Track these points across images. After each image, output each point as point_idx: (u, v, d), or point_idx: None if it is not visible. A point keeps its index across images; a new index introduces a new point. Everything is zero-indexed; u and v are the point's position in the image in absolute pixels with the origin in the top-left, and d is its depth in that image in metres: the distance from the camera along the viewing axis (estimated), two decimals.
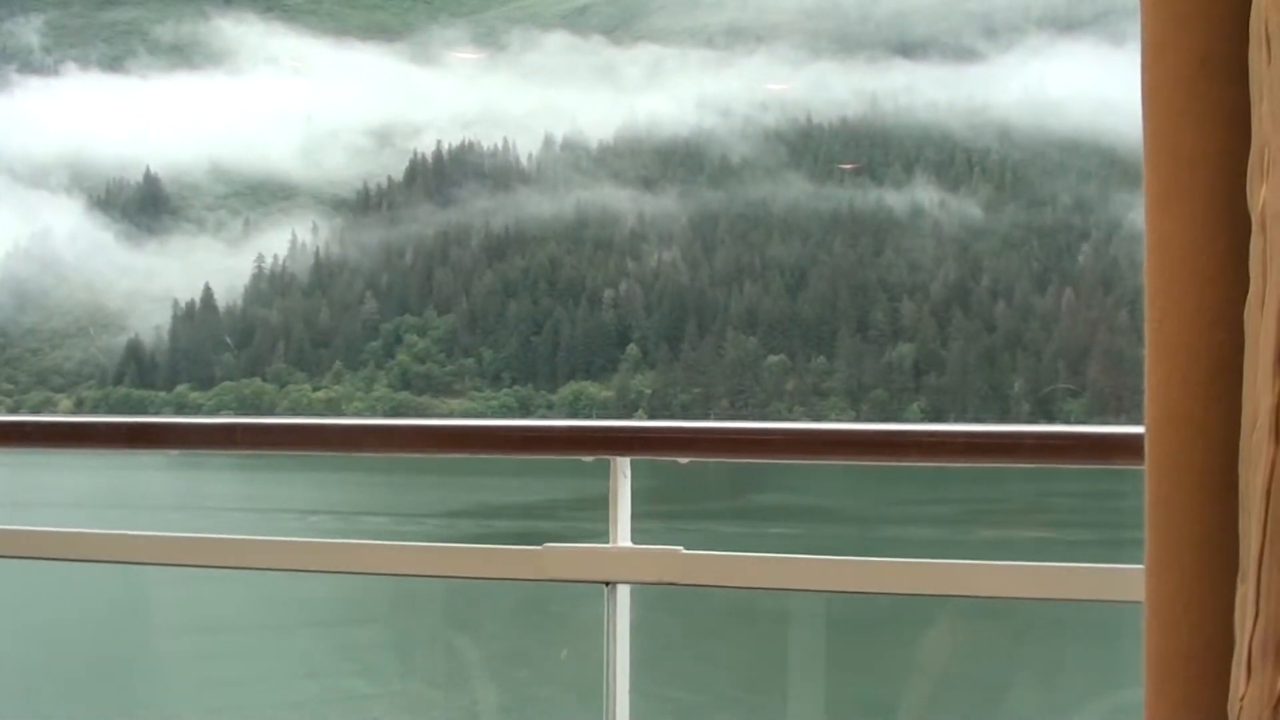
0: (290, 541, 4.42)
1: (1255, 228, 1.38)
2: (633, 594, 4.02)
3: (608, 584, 3.97)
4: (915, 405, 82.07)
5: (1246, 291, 1.39)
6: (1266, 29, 1.36)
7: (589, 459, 4.11)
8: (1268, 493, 1.34)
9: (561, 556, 4.01)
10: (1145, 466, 1.49)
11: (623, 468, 4.01)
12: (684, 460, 4.23)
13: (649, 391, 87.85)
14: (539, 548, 3.99)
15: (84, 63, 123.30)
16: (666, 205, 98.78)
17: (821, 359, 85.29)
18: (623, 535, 3.98)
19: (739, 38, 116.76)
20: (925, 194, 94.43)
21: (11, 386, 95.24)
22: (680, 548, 3.92)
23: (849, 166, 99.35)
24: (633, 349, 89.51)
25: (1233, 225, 1.42)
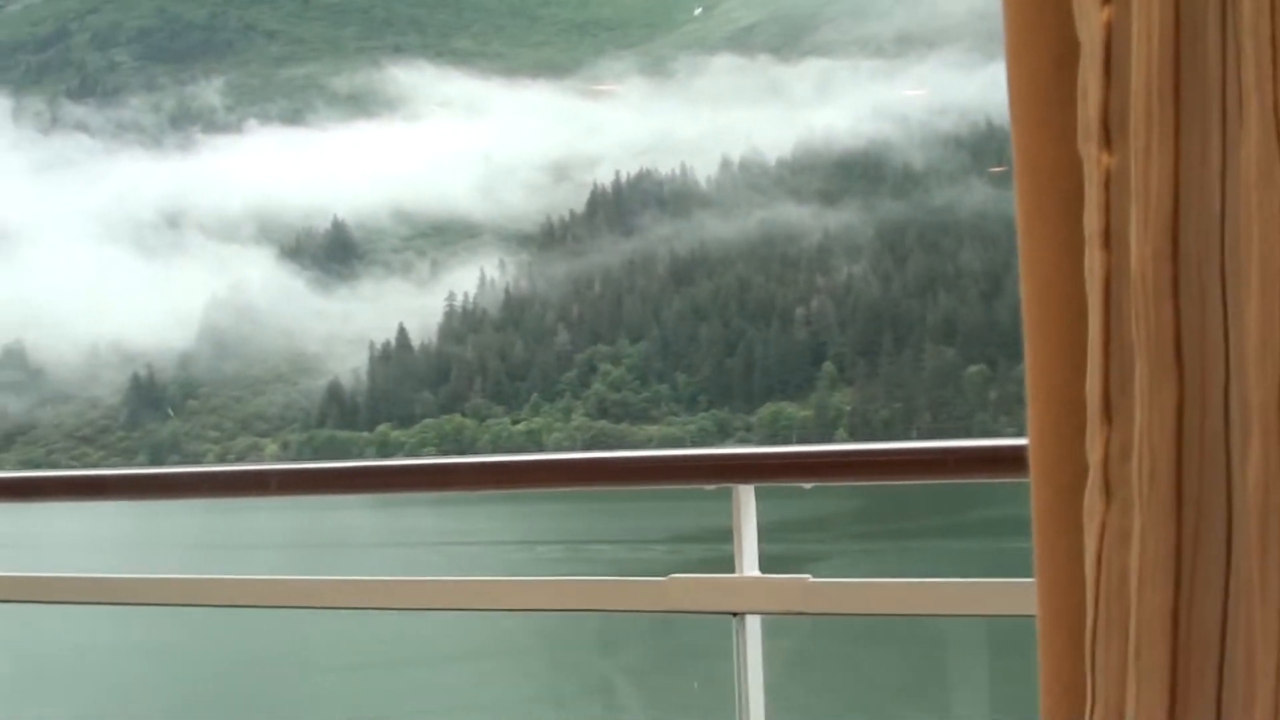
0: (423, 581, 4.52)
1: (1087, 248, 1.28)
2: (763, 624, 3.88)
3: (735, 614, 3.85)
4: None
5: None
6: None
7: (710, 488, 3.99)
8: (1099, 558, 1.24)
9: (687, 587, 3.88)
10: (1030, 479, 1.39)
11: (746, 496, 3.86)
12: (808, 485, 4.13)
13: (848, 409, 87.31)
14: (665, 579, 3.90)
15: (264, 119, 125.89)
16: (850, 218, 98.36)
17: (1023, 367, 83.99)
18: (749, 564, 3.82)
19: (909, 45, 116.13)
20: None
21: (218, 433, 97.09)
22: (808, 576, 3.78)
23: (996, 170, 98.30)
24: (829, 366, 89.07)
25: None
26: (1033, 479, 1.37)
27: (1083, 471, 1.25)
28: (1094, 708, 1.26)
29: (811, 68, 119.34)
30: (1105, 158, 1.24)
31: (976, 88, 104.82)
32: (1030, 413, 1.37)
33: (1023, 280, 1.36)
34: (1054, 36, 1.33)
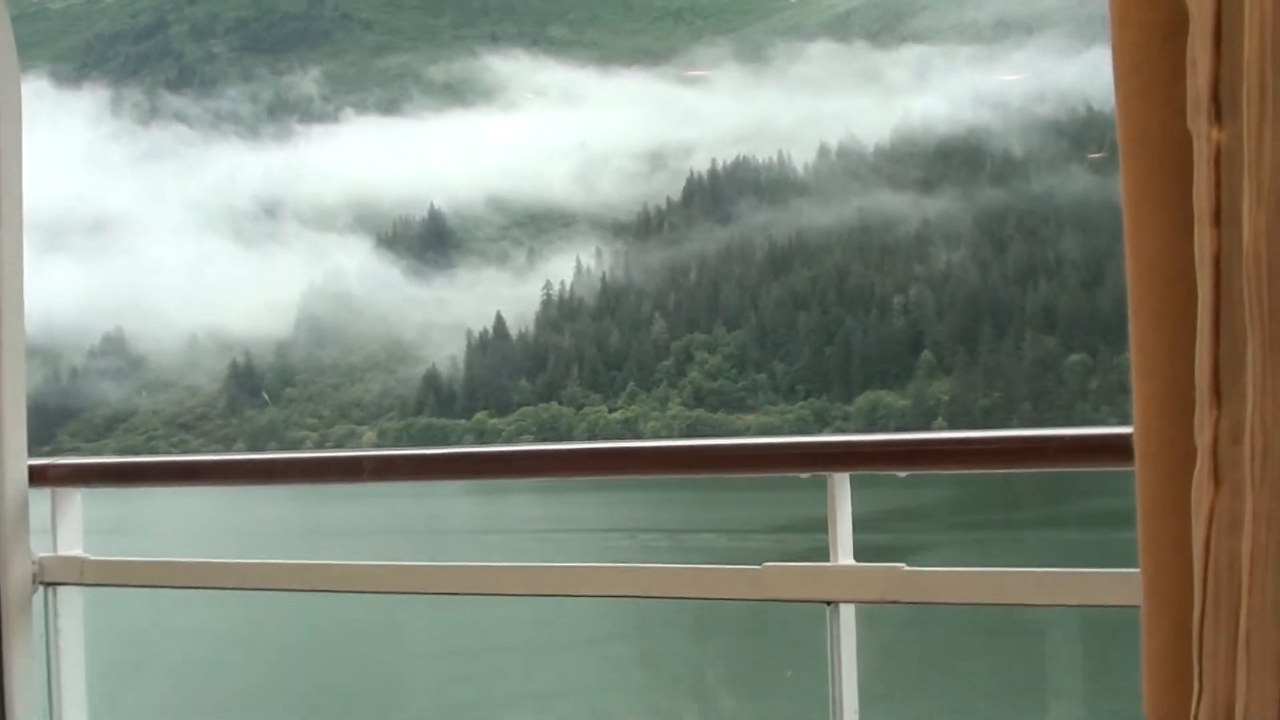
0: (518, 567, 4.36)
1: (1196, 224, 1.24)
2: (857, 613, 3.81)
3: (829, 603, 3.79)
4: None
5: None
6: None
7: (805, 476, 3.96)
8: (1207, 544, 1.21)
9: (782, 575, 3.82)
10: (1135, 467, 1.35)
11: (840, 484, 3.80)
12: (902, 474, 4.02)
13: (947, 398, 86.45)
14: (759, 567, 3.82)
15: (361, 108, 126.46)
16: (949, 206, 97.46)
17: (1125, 356, 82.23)
18: (844, 553, 3.78)
19: (1008, 30, 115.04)
20: None
21: (316, 420, 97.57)
22: (903, 565, 3.69)
23: (1096, 155, 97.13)
24: (927, 355, 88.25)
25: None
26: (1138, 464, 1.34)
27: (1190, 456, 1.22)
28: (1201, 697, 1.23)
29: (909, 54, 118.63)
30: (1215, 133, 1.19)
31: (1076, 73, 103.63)
32: (1135, 396, 1.35)
33: (1128, 259, 1.33)
34: (1161, 8, 1.31)
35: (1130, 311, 1.35)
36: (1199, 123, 1.20)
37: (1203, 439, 1.21)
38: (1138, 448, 1.34)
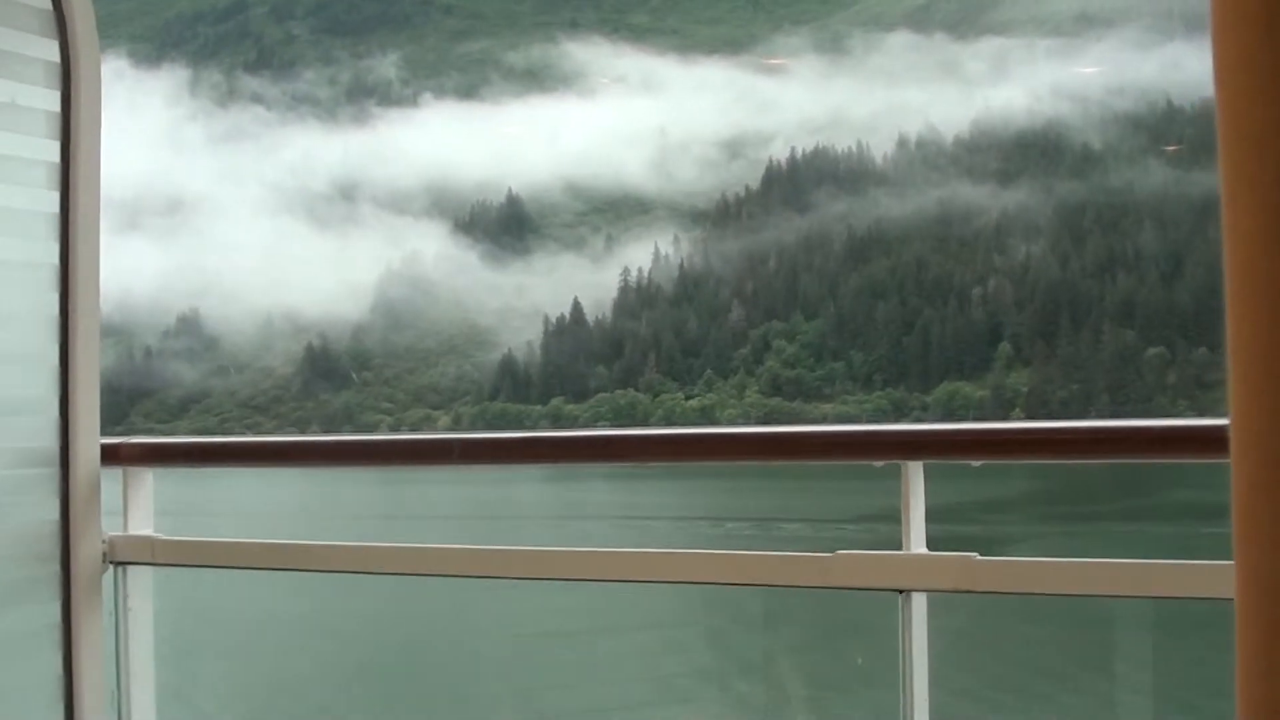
0: (590, 552, 4.36)
1: None
2: (929, 601, 3.79)
3: (901, 591, 3.76)
4: None
5: None
6: None
7: (879, 464, 3.93)
8: None
9: (854, 563, 3.81)
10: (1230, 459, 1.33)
11: (914, 472, 3.77)
12: (976, 463, 4.00)
13: (1025, 390, 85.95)
14: (831, 555, 3.81)
15: (440, 93, 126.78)
16: (1027, 198, 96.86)
17: (1204, 350, 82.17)
18: (916, 542, 3.74)
19: (1088, 24, 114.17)
20: None
21: (391, 404, 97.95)
22: (975, 554, 3.67)
23: (1174, 148, 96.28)
24: (1005, 346, 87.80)
25: None
26: (1234, 457, 1.31)
27: None
28: None
29: (988, 46, 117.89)
30: None
31: (1155, 67, 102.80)
32: (1232, 389, 1.31)
33: (1226, 256, 1.29)
34: (1265, 10, 1.26)
35: (1228, 307, 1.32)
36: None
37: None
38: (1234, 442, 1.32)
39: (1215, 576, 3.42)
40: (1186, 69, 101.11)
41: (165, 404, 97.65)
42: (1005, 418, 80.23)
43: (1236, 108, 1.27)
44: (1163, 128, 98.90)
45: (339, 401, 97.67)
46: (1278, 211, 1.24)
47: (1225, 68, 1.29)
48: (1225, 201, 1.28)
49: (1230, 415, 1.32)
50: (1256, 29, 1.27)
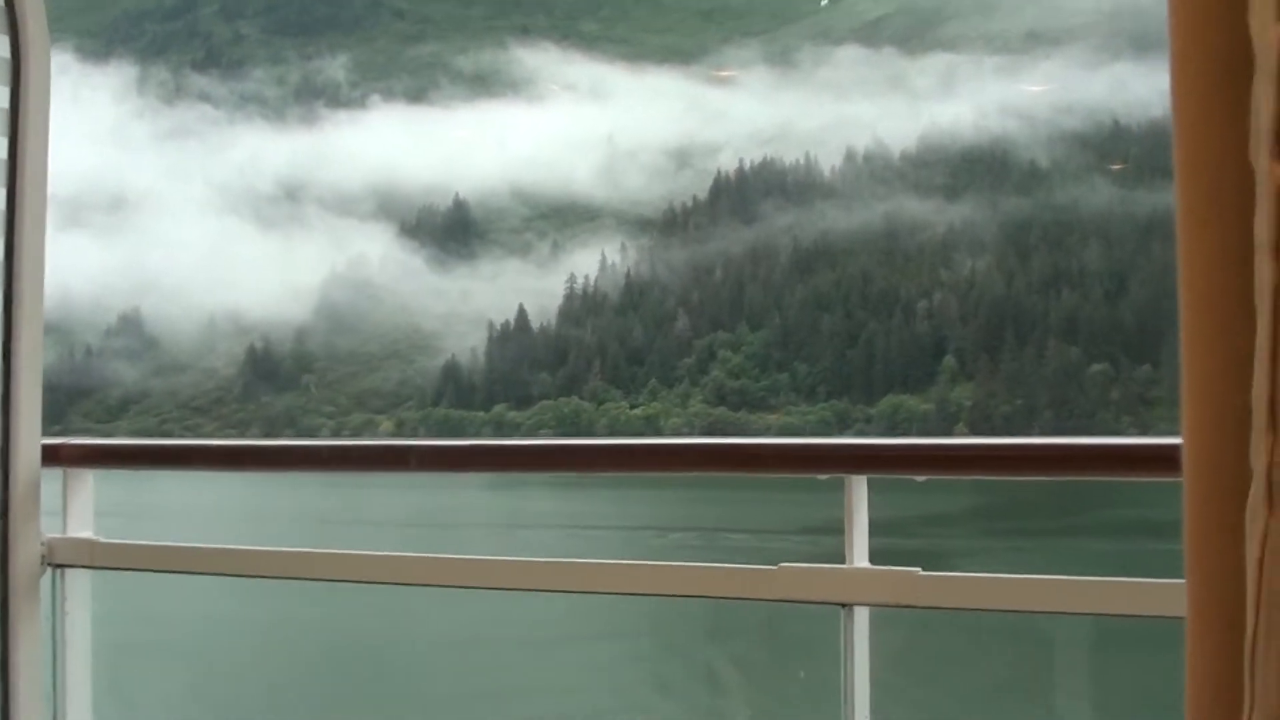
0: (535, 562, 4.34)
1: (1257, 258, 1.27)
2: (871, 616, 3.83)
3: (844, 605, 3.80)
4: None
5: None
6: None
7: (823, 477, 3.95)
8: (1260, 565, 1.23)
9: (797, 576, 3.84)
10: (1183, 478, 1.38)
11: (858, 486, 3.81)
12: (920, 478, 4.08)
13: (969, 404, 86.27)
14: (775, 567, 3.84)
15: (388, 95, 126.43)
16: (973, 213, 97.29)
17: (1147, 367, 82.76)
18: (859, 556, 3.79)
19: (1036, 42, 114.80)
20: None
21: (333, 409, 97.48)
22: (918, 569, 3.71)
23: (1119, 167, 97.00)
24: (949, 360, 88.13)
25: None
26: (1186, 482, 1.36)
27: (1240, 477, 1.25)
28: (1251, 713, 1.25)
29: (937, 62, 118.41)
30: (1277, 169, 1.23)
31: (1102, 86, 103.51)
32: (1185, 416, 1.37)
33: (1182, 284, 1.35)
34: (1223, 45, 1.31)
35: (1182, 334, 1.36)
36: (1261, 159, 1.23)
37: (1259, 464, 1.23)
38: (1187, 467, 1.35)
39: (1159, 595, 3.46)
40: (1133, 89, 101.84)
41: (104, 403, 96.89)
42: (949, 432, 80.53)
43: (1195, 144, 1.32)
44: (1109, 146, 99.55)
45: (281, 404, 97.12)
46: (1232, 248, 1.27)
47: (1184, 105, 1.35)
48: (1181, 236, 1.33)
49: (1184, 446, 1.35)
50: (1215, 67, 1.31)
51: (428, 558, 4.48)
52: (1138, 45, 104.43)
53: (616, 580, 4.34)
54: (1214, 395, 1.32)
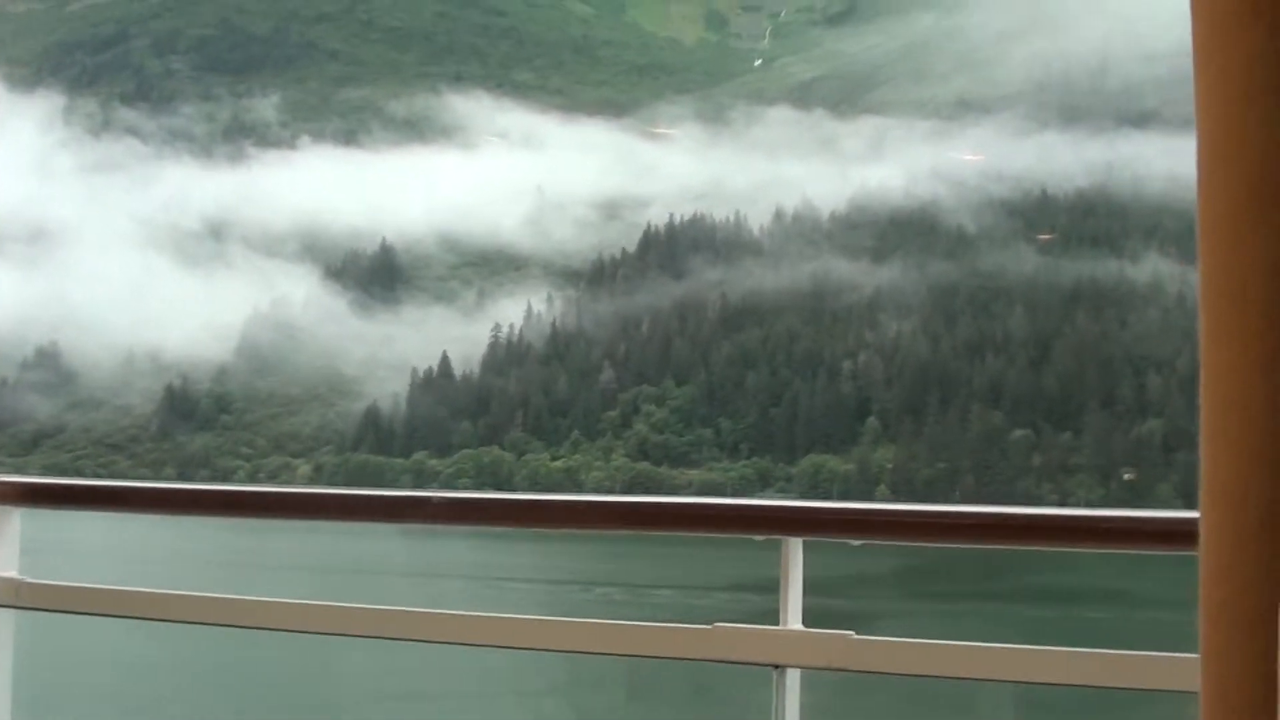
0: (466, 616, 4.29)
1: None
2: (803, 678, 3.80)
3: (777, 667, 3.77)
4: (1166, 484, 79.16)
5: None
6: None
7: (760, 538, 3.93)
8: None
9: (731, 637, 3.83)
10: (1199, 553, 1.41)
11: (794, 548, 3.81)
12: (855, 543, 4.14)
13: (890, 466, 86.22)
14: (709, 627, 3.83)
15: (318, 137, 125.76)
16: (900, 276, 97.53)
17: (1068, 434, 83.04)
18: (793, 618, 3.77)
19: (966, 109, 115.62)
20: (1165, 265, 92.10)
21: (250, 450, 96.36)
22: (851, 632, 3.70)
23: (1046, 236, 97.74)
24: (872, 422, 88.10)
25: None
26: (1203, 577, 1.38)
27: (1256, 575, 1.29)
28: None
29: (867, 125, 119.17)
30: None
31: (1031, 155, 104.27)
32: (1204, 517, 1.39)
33: (1204, 391, 1.38)
34: (1249, 170, 1.31)
35: (1202, 439, 1.39)
36: None
37: None
38: (1204, 565, 1.38)
39: (1088, 664, 3.51)
40: (1061, 159, 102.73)
41: (18, 438, 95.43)
42: (870, 494, 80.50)
43: (1219, 262, 1.35)
44: (1036, 215, 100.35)
45: (196, 444, 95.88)
46: (1255, 360, 1.31)
47: (1209, 227, 1.36)
48: (1204, 346, 1.36)
49: (1201, 546, 1.39)
50: (1242, 192, 1.33)
51: (344, 607, 4.37)
52: (1066, 116, 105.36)
53: (549, 637, 4.24)
54: (1232, 499, 1.35)
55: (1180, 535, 3.57)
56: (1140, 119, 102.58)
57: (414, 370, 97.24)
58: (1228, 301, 1.31)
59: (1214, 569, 1.35)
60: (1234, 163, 1.31)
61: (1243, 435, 1.30)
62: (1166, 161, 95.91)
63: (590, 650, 4.13)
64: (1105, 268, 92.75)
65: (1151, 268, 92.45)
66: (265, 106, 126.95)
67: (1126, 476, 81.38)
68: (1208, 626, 1.34)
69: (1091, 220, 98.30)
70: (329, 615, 4.44)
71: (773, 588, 3.74)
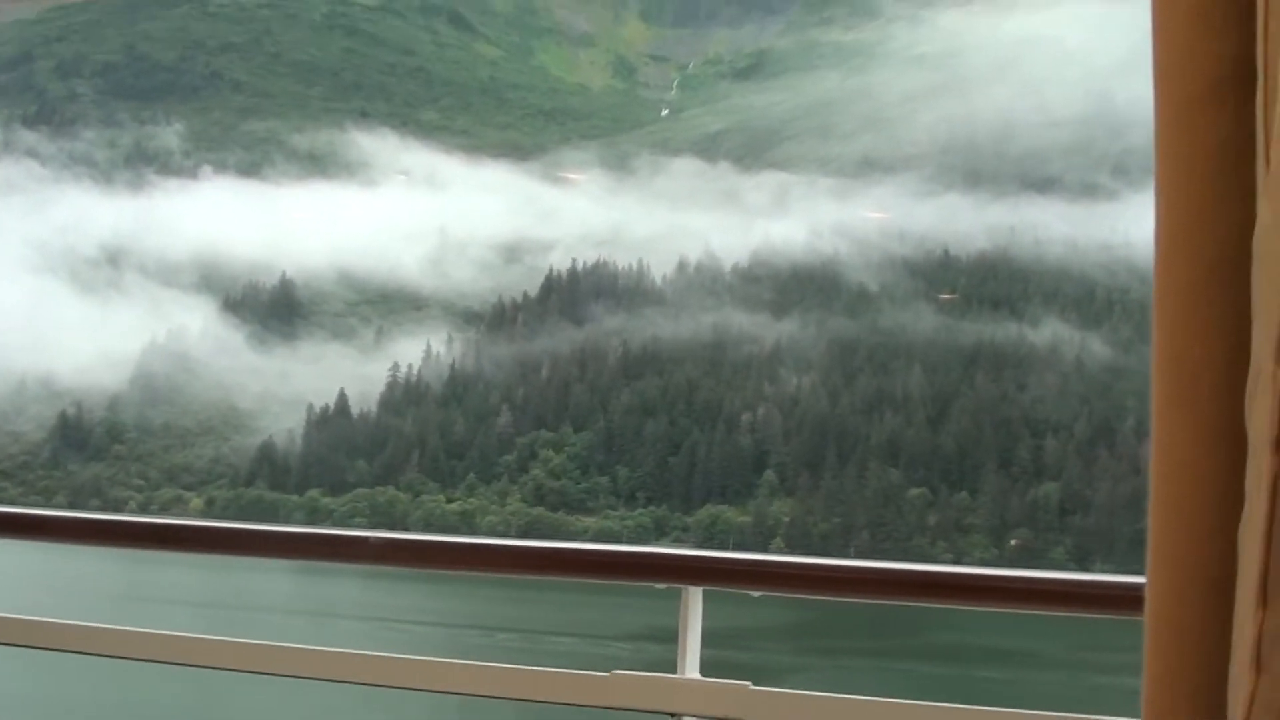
0: (361, 655, 4.30)
1: (1251, 448, 1.35)
2: None
3: (674, 716, 3.85)
4: (1060, 548, 79.83)
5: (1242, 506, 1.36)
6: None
7: (661, 586, 4.01)
8: None
9: (629, 684, 3.89)
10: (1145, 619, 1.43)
11: (694, 598, 3.90)
12: (755, 593, 4.19)
13: (787, 519, 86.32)
14: (607, 674, 3.88)
15: (220, 167, 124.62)
16: (801, 331, 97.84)
17: (964, 494, 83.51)
18: (691, 666, 3.85)
19: (870, 168, 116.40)
20: (1064, 330, 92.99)
21: (142, 482, 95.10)
22: (748, 683, 3.76)
23: (948, 296, 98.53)
24: (770, 475, 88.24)
25: (1235, 437, 1.38)
26: (1149, 643, 1.43)
27: (1202, 640, 1.32)
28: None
29: (770, 180, 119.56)
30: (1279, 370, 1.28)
31: (933, 215, 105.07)
32: (1151, 579, 1.44)
33: (1154, 460, 1.43)
34: (1207, 244, 1.35)
35: (1151, 506, 1.44)
36: (1265, 362, 1.30)
37: (1246, 633, 1.30)
38: (1150, 630, 1.43)
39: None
40: (963, 220, 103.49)
41: None
42: (766, 545, 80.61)
43: (1174, 339, 1.39)
44: (937, 275, 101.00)
45: (87, 474, 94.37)
46: (1204, 432, 1.36)
47: (1166, 307, 1.41)
48: (1156, 420, 1.41)
49: (1148, 609, 1.45)
50: (1200, 269, 1.36)
51: (236, 642, 4.35)
52: (970, 179, 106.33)
53: (447, 679, 4.25)
54: (1182, 563, 1.38)
55: (1077, 597, 3.85)
56: (1043, 184, 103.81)
57: (310, 407, 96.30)
58: (1180, 372, 1.34)
59: (1160, 634, 1.37)
60: (1193, 241, 1.32)
61: (1192, 504, 1.34)
62: (1067, 227, 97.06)
63: (487, 694, 4.10)
64: (1005, 330, 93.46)
65: (1051, 332, 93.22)
66: (168, 134, 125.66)
67: (1014, 542, 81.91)
68: (1152, 690, 1.37)
69: (992, 282, 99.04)
70: (220, 650, 4.38)
71: (671, 637, 3.71)
